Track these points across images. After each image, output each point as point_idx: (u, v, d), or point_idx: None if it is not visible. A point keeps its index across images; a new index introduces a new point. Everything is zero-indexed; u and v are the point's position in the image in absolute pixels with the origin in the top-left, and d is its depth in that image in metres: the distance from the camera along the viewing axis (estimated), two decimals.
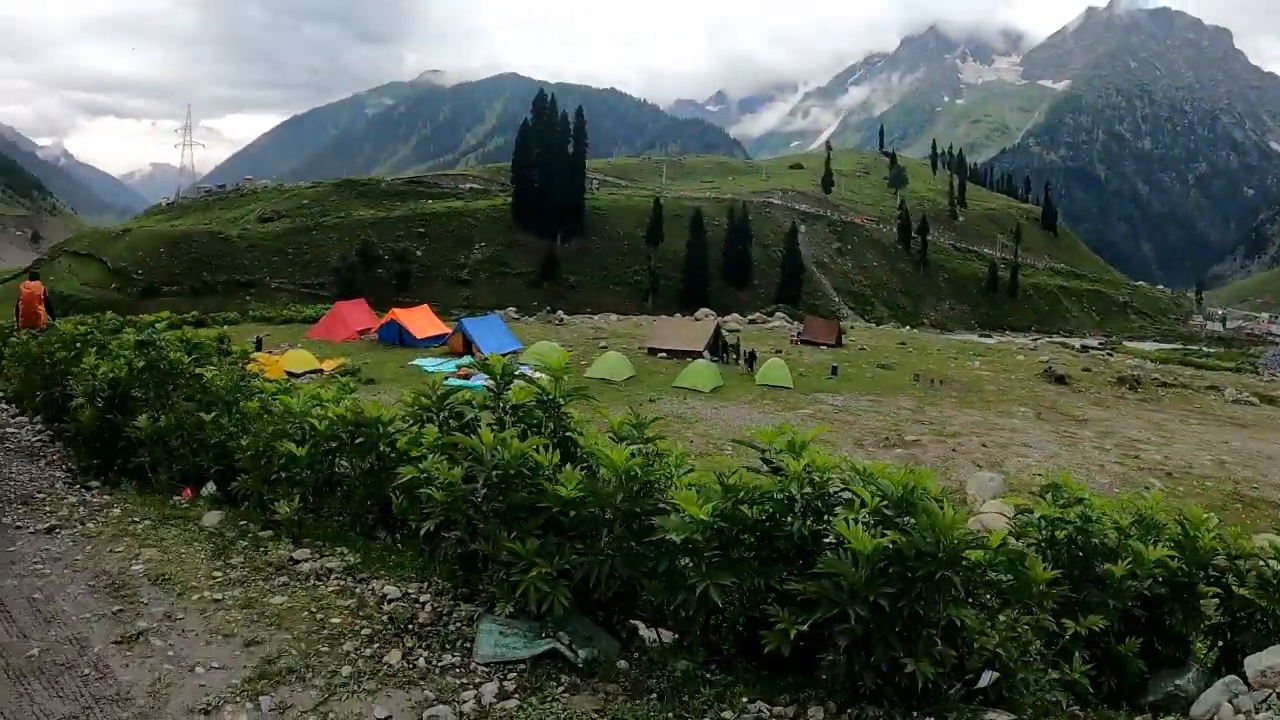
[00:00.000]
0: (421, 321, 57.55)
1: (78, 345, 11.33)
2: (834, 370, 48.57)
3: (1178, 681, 4.78)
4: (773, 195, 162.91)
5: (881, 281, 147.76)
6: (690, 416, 34.19)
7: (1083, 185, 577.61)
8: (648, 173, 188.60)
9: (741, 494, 4.46)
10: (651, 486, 4.74)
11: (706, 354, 50.31)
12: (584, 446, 5.27)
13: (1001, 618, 4.42)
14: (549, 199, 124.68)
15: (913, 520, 4.12)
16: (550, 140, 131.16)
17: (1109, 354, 73.03)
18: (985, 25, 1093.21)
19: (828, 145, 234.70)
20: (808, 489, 4.44)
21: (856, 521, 4.08)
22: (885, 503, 4.23)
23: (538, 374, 5.77)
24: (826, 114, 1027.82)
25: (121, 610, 5.49)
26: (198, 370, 9.25)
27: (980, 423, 36.77)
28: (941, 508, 4.08)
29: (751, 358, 47.17)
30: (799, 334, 66.23)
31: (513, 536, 4.76)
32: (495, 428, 5.24)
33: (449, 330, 55.34)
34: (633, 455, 4.73)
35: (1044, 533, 5.17)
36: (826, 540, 4.28)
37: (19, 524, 7.36)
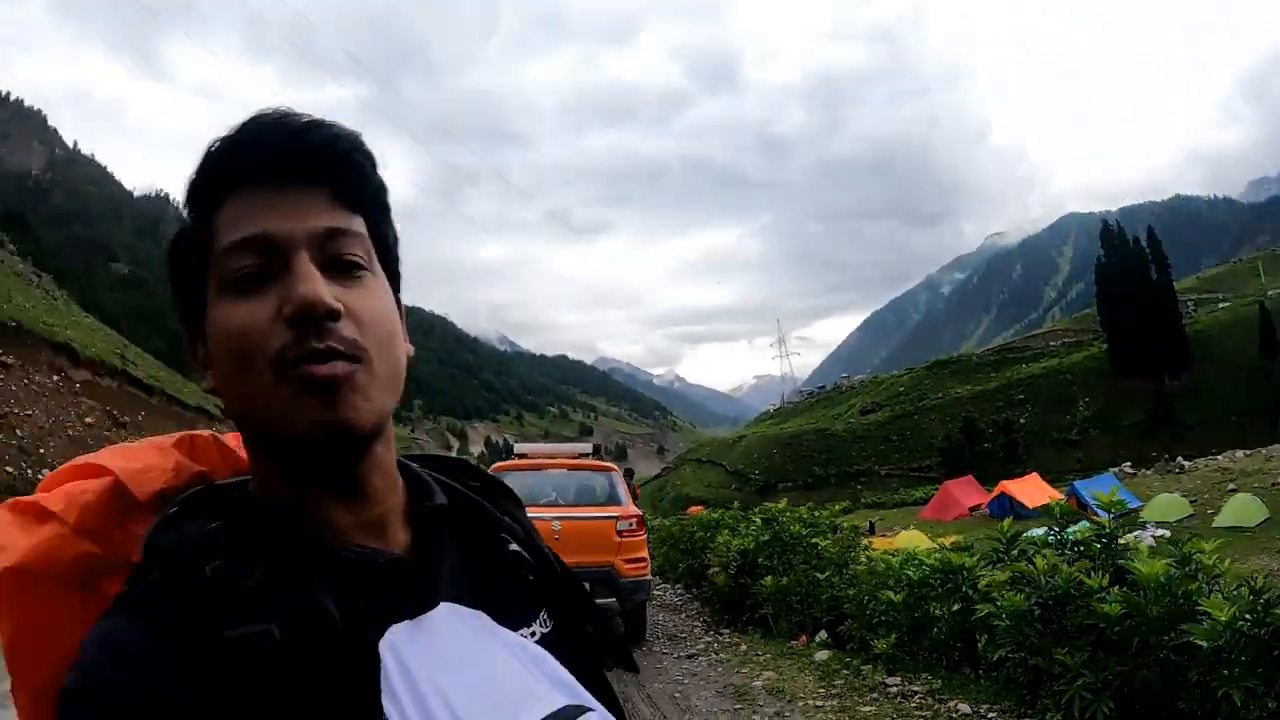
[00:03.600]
0: (1032, 490, 56.08)
1: (712, 527, 14.37)
2: None
3: None
4: None
5: None
6: None
7: None
8: (1243, 276, 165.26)
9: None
10: (1190, 595, 4.92)
11: None
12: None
13: None
14: (1144, 336, 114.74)
15: None
16: (1129, 273, 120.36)
17: None
18: None
19: None
20: None
21: None
22: None
23: (1160, 531, 6.21)
24: None
25: (740, 709, 7.15)
26: (813, 540, 11.25)
27: None
28: None
29: None
30: None
31: (1063, 651, 5.34)
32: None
33: (1061, 497, 53.21)
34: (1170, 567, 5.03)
35: None
36: None
37: (665, 651, 9.92)
